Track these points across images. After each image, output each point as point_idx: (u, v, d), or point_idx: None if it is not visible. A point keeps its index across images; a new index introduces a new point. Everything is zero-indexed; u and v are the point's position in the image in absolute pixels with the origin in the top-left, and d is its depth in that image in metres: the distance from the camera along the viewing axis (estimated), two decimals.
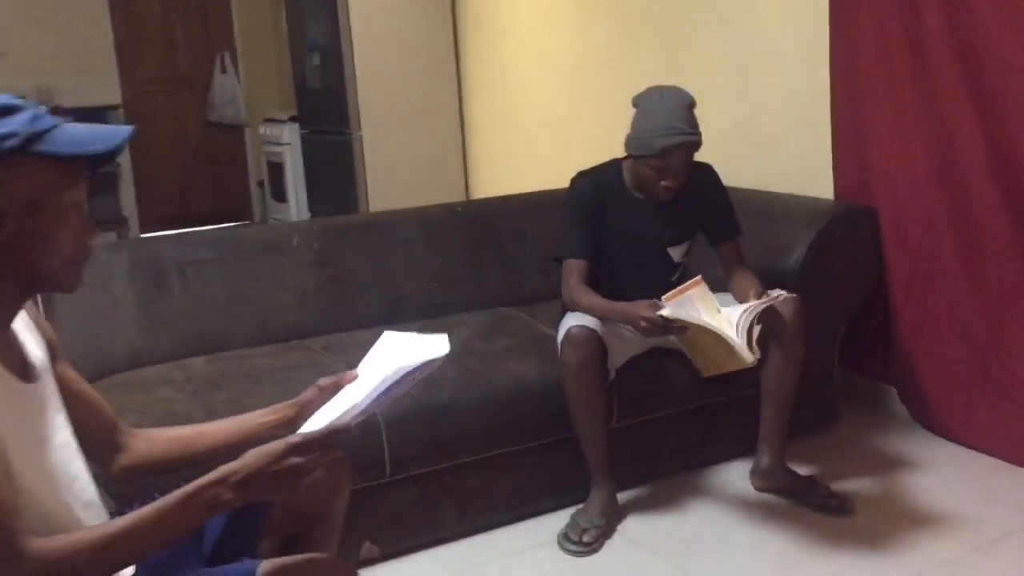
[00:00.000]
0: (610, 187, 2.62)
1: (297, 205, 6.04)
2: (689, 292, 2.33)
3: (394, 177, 4.91)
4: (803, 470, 2.64)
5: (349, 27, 4.82)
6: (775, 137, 3.40)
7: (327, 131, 5.17)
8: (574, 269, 2.55)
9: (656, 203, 2.59)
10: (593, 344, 2.40)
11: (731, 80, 3.52)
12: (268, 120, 6.75)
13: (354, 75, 4.85)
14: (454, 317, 2.96)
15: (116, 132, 1.34)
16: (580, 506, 2.51)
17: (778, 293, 2.53)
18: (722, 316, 2.33)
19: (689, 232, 2.69)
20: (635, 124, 2.51)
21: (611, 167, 2.64)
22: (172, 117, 7.37)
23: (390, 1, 4.97)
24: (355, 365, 1.52)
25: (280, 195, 6.36)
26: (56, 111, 1.58)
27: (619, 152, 2.61)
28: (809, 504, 2.55)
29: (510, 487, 2.55)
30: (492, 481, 2.52)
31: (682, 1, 3.69)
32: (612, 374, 2.52)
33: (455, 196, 5.05)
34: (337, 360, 2.45)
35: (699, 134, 2.47)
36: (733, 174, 2.84)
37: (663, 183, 2.49)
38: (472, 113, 5.19)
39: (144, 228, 7.17)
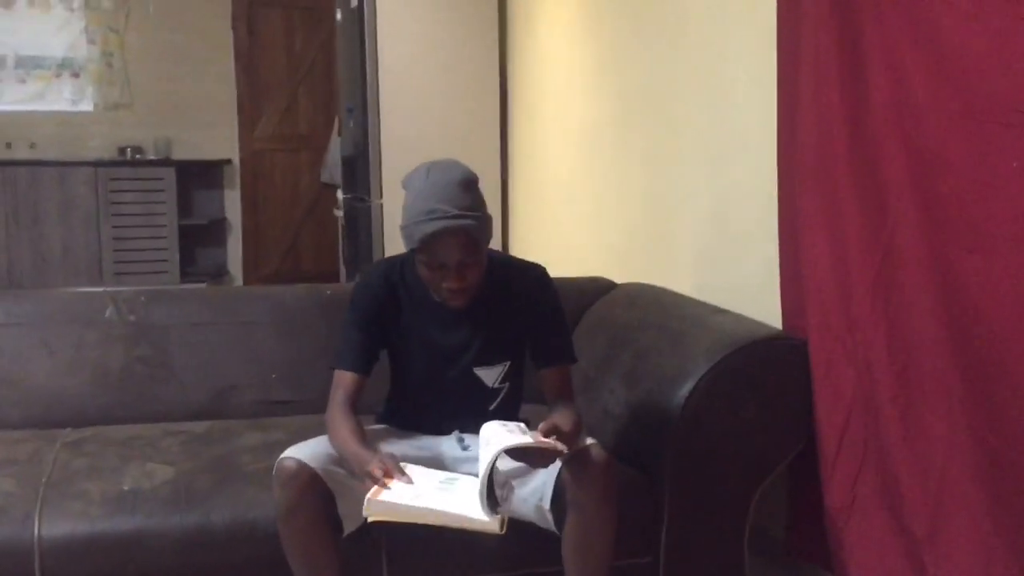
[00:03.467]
0: (407, 282, 2.07)
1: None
2: None
3: None
4: None
5: (378, 90, 4.52)
6: (745, 238, 2.69)
7: (358, 197, 4.88)
8: (340, 384, 2.03)
9: (459, 310, 2.02)
10: (303, 483, 1.84)
11: (707, 169, 2.86)
12: None
13: (379, 140, 4.52)
14: (287, 419, 2.48)
15: None
16: None
17: (587, 441, 1.88)
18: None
19: (505, 351, 2.08)
20: (404, 211, 1.95)
21: (412, 257, 2.08)
22: (287, 175, 7.40)
23: (429, 56, 4.63)
24: None
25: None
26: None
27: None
28: None
29: None
30: None
31: (672, 78, 3.07)
32: (349, 527, 1.94)
33: None
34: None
35: (471, 215, 1.88)
36: (698, 275, 2.38)
37: (444, 285, 1.93)
38: (514, 181, 4.72)
39: (247, 282, 7.22)
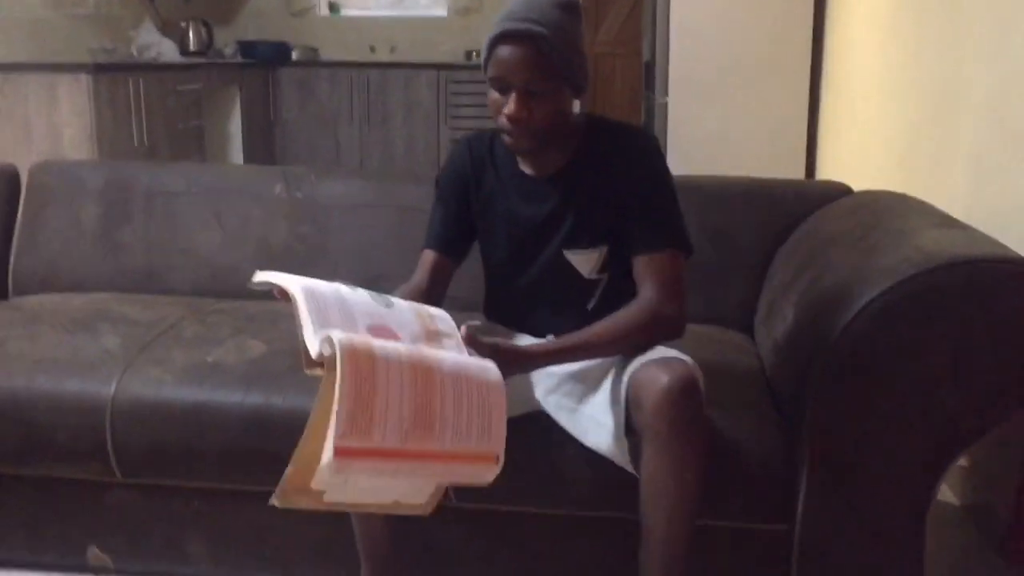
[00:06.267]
0: (494, 153, 1.78)
1: None
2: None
3: (706, 146, 4.06)
4: None
5: None
6: None
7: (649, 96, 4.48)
8: (420, 262, 1.79)
9: (548, 178, 1.70)
10: None
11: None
12: None
13: (667, 37, 4.08)
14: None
15: None
16: None
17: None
18: None
19: (600, 233, 1.70)
20: None
21: None
22: (626, 79, 7.12)
23: None
24: None
25: None
26: None
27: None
28: None
29: (269, 536, 1.92)
30: (253, 523, 1.91)
31: None
32: None
33: (793, 174, 3.99)
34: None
35: (547, 26, 1.53)
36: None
37: (504, 111, 1.60)
38: (827, 86, 4.02)
39: None
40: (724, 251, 2.30)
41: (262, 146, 6.56)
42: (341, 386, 1.19)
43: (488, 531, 1.87)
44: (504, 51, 1.55)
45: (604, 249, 1.70)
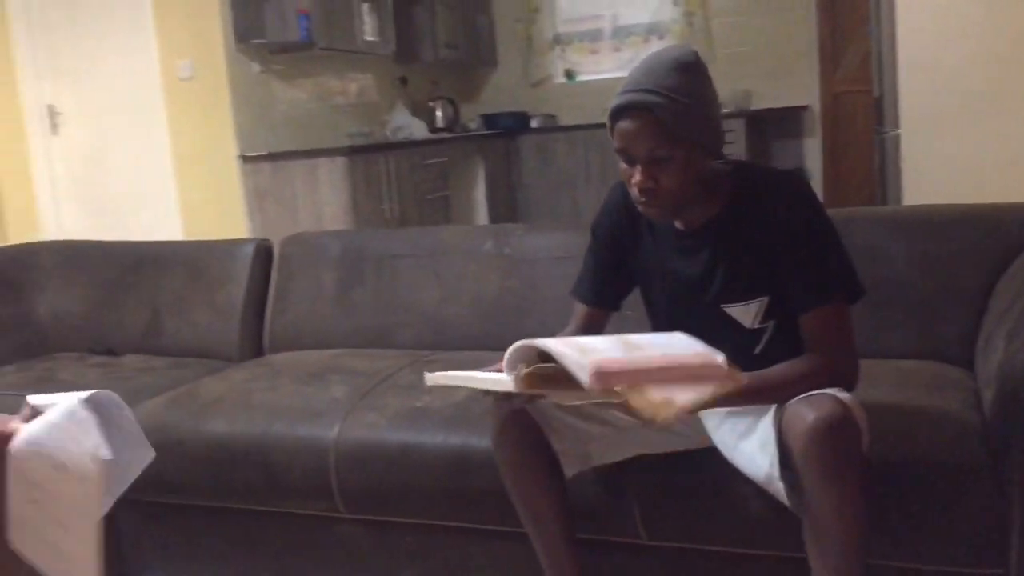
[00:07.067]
0: None
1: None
2: None
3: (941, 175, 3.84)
4: None
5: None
6: None
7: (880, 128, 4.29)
8: (573, 315, 1.86)
9: (698, 230, 1.69)
10: (507, 411, 1.71)
11: None
12: None
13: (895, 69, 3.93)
14: None
15: None
16: None
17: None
18: None
19: (757, 285, 1.66)
20: None
21: None
22: (868, 118, 6.81)
23: None
24: None
25: None
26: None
27: None
28: None
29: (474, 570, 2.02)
30: (460, 557, 2.02)
31: None
32: (568, 468, 1.74)
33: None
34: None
35: (664, 94, 1.53)
36: None
37: (632, 182, 1.61)
38: None
39: None
40: (941, 281, 2.18)
41: (505, 210, 6.89)
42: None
43: (675, 568, 1.87)
44: (623, 124, 1.57)
45: (764, 300, 1.66)
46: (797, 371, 1.57)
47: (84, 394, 1.63)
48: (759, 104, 6.81)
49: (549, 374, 1.37)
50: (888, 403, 1.81)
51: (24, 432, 1.67)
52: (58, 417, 1.63)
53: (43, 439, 1.64)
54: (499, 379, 1.44)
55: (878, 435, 1.59)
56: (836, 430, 1.41)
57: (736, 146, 6.46)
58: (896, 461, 1.65)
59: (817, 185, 6.92)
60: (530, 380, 1.37)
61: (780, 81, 6.85)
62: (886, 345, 2.12)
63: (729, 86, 6.86)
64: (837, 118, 6.84)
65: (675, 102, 1.53)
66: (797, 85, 6.84)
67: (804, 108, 6.84)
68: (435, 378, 1.53)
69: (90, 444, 1.61)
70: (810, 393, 1.49)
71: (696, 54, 1.61)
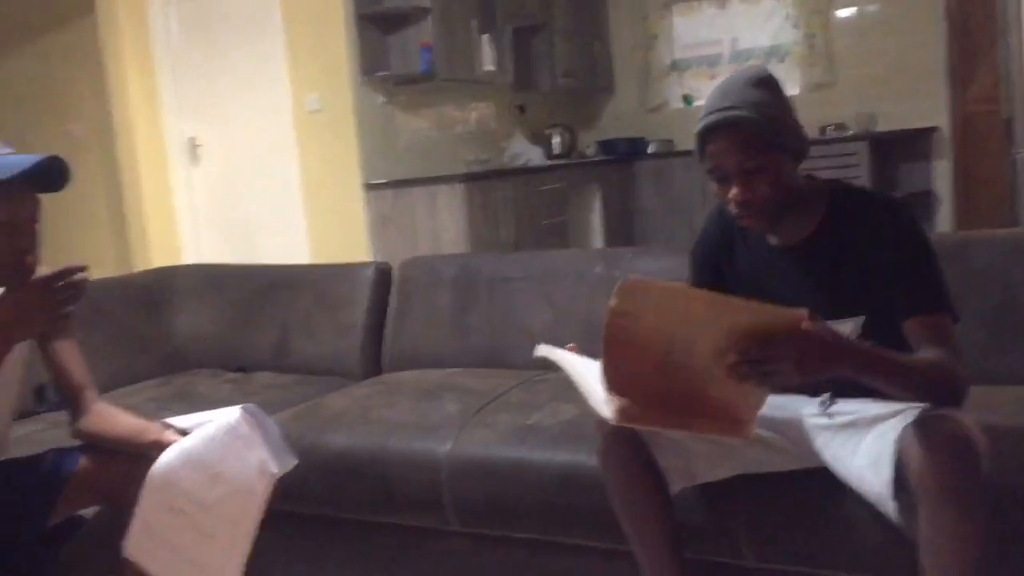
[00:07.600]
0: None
1: None
2: None
3: None
4: None
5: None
6: None
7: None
8: None
9: (794, 248, 1.71)
10: (612, 427, 1.74)
11: None
12: None
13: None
14: None
15: (24, 161, 1.63)
16: None
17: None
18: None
19: (853, 302, 1.67)
20: None
21: None
22: (1003, 139, 6.55)
23: None
24: None
25: None
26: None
27: None
28: None
29: None
30: (569, 574, 2.05)
31: None
32: (674, 485, 1.76)
33: None
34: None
35: (746, 108, 1.59)
36: None
37: (730, 197, 1.66)
38: None
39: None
40: None
41: (621, 234, 6.91)
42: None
43: None
44: (713, 145, 1.64)
45: (861, 320, 1.66)
46: (920, 358, 1.56)
47: (236, 409, 1.72)
48: (887, 126, 6.63)
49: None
50: (1007, 428, 1.77)
51: (179, 443, 1.79)
52: (216, 431, 1.74)
53: (200, 450, 1.75)
54: (599, 397, 1.49)
55: (996, 460, 1.56)
56: (957, 455, 1.40)
57: (860, 169, 6.32)
58: (1015, 487, 1.62)
59: (947, 208, 6.70)
60: (626, 415, 1.44)
61: (906, 103, 6.66)
62: (1006, 370, 2.07)
63: (852, 109, 6.73)
64: (968, 139, 6.61)
65: (759, 111, 1.60)
66: (924, 107, 6.64)
67: (933, 129, 6.63)
68: (545, 350, 1.66)
69: (255, 459, 1.72)
70: (931, 412, 1.49)
71: (768, 70, 1.69)
